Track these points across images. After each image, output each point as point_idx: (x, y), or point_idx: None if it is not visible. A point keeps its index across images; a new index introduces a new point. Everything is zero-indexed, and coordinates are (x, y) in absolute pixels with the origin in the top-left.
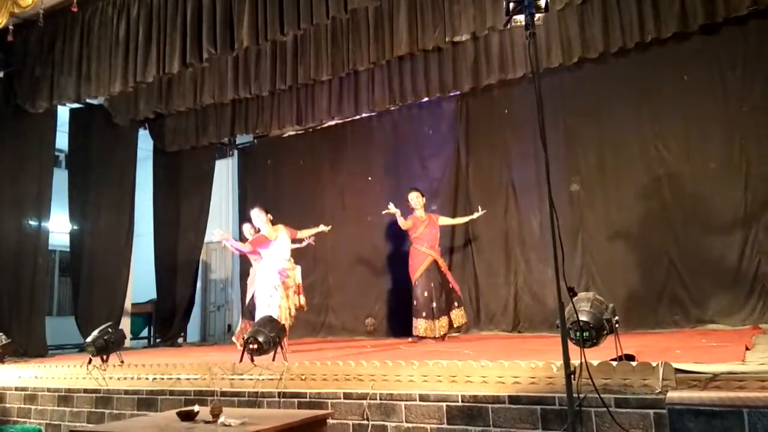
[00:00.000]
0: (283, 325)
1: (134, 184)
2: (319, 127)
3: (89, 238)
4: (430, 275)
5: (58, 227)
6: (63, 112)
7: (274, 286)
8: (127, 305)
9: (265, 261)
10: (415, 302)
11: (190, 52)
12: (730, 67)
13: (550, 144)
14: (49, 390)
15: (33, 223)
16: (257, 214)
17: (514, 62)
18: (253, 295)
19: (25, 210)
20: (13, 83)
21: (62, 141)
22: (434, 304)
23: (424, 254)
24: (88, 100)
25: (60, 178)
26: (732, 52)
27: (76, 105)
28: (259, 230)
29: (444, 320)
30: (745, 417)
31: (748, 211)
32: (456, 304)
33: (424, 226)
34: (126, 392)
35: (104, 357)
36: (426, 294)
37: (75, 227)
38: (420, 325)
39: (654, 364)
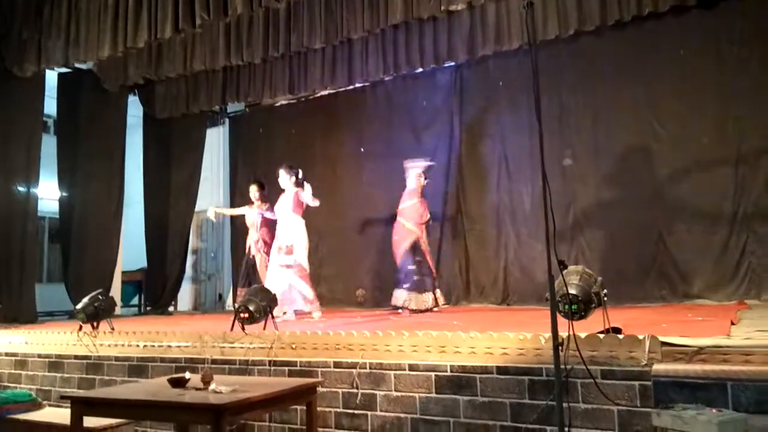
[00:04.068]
0: (275, 294)
1: (124, 150)
2: (311, 97)
3: (79, 204)
4: (414, 251)
5: (48, 194)
6: (51, 77)
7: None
8: (118, 273)
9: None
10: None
11: (182, 17)
12: (728, 43)
13: (544, 117)
14: (39, 356)
15: (22, 189)
16: (282, 174)
17: (510, 33)
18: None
19: (13, 176)
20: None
21: (51, 106)
22: (416, 278)
23: (408, 231)
24: (76, 65)
25: (48, 144)
26: (730, 27)
27: (64, 69)
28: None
29: (429, 295)
30: (729, 389)
31: (738, 187)
32: (436, 284)
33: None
34: (117, 359)
35: (95, 324)
36: (412, 267)
37: (64, 194)
38: (401, 296)
39: (640, 337)
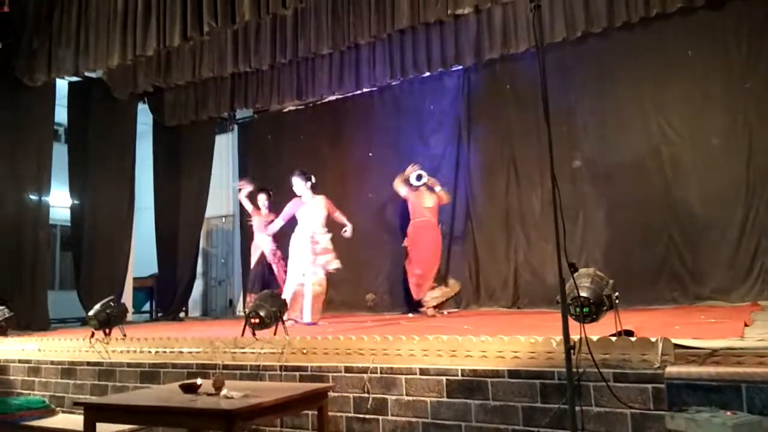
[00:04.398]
0: (285, 300)
1: (134, 158)
2: (319, 102)
3: (90, 212)
4: None
5: (59, 202)
6: (62, 86)
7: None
8: (129, 279)
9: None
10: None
11: (190, 25)
12: (735, 43)
13: (552, 120)
14: (52, 363)
15: (33, 197)
16: (297, 181)
17: (517, 37)
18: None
19: (25, 184)
20: (10, 56)
21: (61, 115)
22: None
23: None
24: (86, 74)
25: (59, 153)
26: (737, 27)
27: (74, 78)
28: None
29: None
30: (743, 392)
31: (749, 188)
32: None
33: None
34: (129, 365)
35: (107, 330)
36: None
37: (75, 202)
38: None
39: (653, 340)
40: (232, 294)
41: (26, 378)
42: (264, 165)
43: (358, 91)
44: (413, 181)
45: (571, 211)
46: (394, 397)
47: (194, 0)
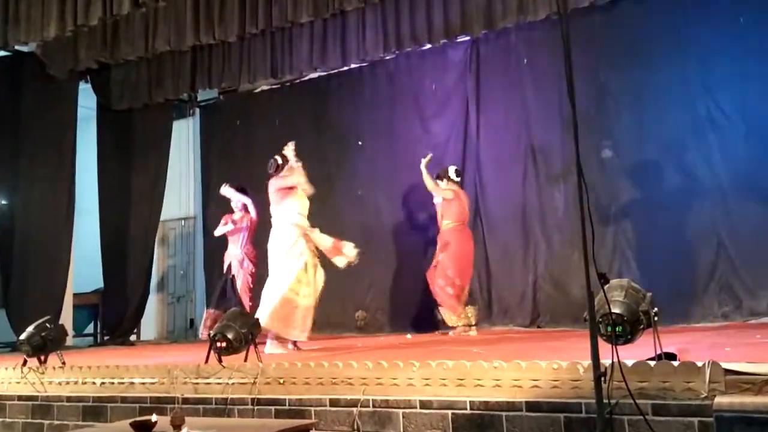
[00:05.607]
0: (257, 319)
1: (75, 149)
2: (298, 81)
3: (21, 215)
4: None
5: None
6: None
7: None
8: (69, 296)
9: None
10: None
11: None
12: None
13: (578, 100)
14: None
15: None
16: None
17: (536, 1)
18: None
19: None
20: None
21: None
22: None
23: None
24: (16, 47)
25: None
26: None
27: (2, 53)
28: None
29: None
30: None
31: None
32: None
33: None
34: (69, 399)
35: (42, 358)
36: None
37: (3, 202)
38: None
39: (699, 365)
40: (193, 313)
41: None
42: (231, 156)
43: (345, 67)
44: (453, 176)
45: (602, 210)
46: None
47: None
